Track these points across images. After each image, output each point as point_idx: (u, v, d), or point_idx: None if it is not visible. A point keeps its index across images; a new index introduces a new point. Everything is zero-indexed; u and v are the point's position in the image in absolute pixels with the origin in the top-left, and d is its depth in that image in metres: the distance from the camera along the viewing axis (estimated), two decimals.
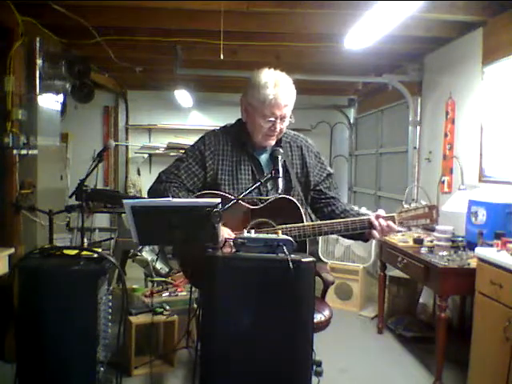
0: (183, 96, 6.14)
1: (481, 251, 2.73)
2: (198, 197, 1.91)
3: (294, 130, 2.14)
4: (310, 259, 1.60)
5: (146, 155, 7.18)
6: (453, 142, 4.16)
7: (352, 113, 7.17)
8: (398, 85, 4.89)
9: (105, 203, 4.01)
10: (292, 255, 1.56)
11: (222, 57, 3.78)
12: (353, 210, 2.04)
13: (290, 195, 1.93)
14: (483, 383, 2.66)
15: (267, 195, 1.94)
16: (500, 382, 2.42)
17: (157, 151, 6.99)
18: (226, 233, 1.76)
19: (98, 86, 5.76)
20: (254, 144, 1.99)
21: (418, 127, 4.89)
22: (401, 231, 2.40)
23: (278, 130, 1.92)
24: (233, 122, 2.10)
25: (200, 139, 2.02)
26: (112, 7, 3.64)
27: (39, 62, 3.61)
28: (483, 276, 2.65)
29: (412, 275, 3.63)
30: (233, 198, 1.81)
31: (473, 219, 3.29)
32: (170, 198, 1.66)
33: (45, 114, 3.76)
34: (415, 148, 4.91)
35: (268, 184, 1.85)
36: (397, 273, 4.10)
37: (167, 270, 4.15)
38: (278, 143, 2.01)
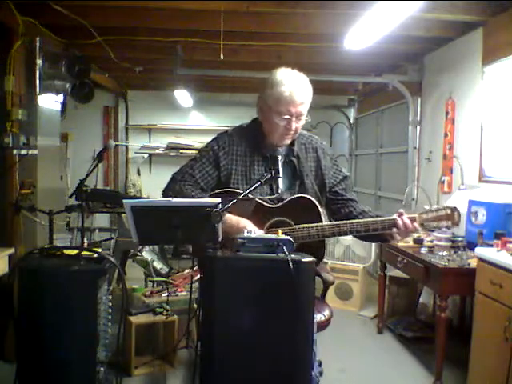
0: (183, 96, 6.13)
1: (481, 251, 2.73)
2: (211, 196, 1.90)
3: None
4: (310, 259, 1.60)
5: (146, 155, 7.18)
6: (453, 142, 4.16)
7: (352, 113, 7.17)
8: (398, 85, 4.89)
9: (105, 203, 4.01)
10: (292, 255, 1.55)
11: (221, 57, 3.79)
12: (371, 211, 2.01)
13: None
14: (483, 383, 2.66)
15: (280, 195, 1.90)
16: (500, 381, 2.42)
17: (157, 151, 7.00)
18: (248, 224, 1.79)
19: (98, 85, 5.76)
20: (269, 144, 1.97)
21: (418, 127, 4.89)
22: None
23: (293, 128, 1.90)
24: (247, 121, 2.08)
25: (213, 140, 2.01)
26: (112, 7, 3.64)
27: (39, 62, 3.60)
28: (483, 276, 2.65)
29: (412, 275, 3.63)
30: (247, 197, 1.78)
31: (473, 219, 3.29)
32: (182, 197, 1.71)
33: (45, 114, 3.76)
34: (415, 148, 4.91)
35: (281, 184, 1.82)
36: (397, 273, 4.09)
37: (167, 269, 4.15)
38: (292, 144, 1.99)
